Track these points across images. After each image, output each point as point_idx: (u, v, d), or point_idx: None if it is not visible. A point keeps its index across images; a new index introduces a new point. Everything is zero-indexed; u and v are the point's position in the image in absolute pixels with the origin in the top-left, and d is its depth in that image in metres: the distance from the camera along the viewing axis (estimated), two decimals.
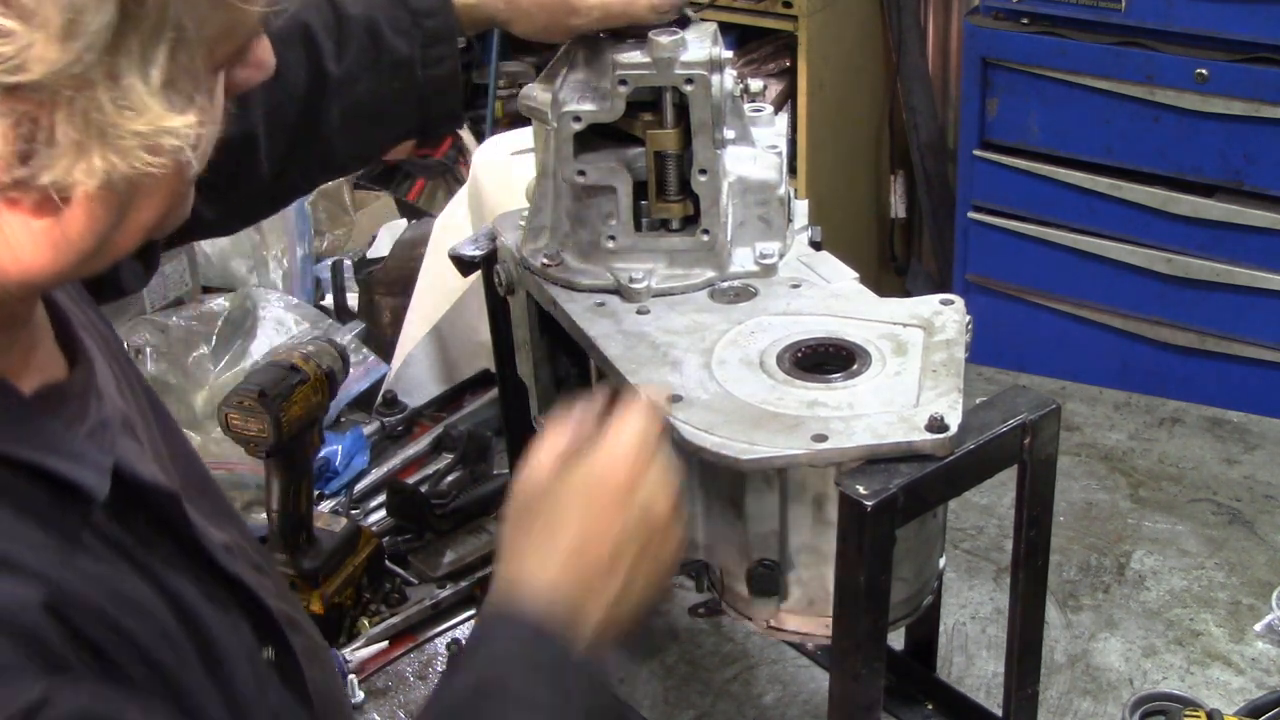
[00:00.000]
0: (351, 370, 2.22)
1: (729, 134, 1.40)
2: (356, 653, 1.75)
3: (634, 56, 1.36)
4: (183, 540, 1.01)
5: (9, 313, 0.89)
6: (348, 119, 1.45)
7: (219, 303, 2.44)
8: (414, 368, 2.34)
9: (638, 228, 1.43)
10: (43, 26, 0.74)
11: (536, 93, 1.43)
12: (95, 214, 0.82)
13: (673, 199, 1.42)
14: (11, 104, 0.76)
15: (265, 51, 0.91)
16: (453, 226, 2.32)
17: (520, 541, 1.07)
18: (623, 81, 1.35)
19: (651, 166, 1.40)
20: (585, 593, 1.04)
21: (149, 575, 0.94)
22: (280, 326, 2.42)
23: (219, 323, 2.36)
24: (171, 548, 0.99)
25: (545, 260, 1.46)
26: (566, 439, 1.12)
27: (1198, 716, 1.54)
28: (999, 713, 1.49)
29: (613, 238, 1.43)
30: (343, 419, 2.27)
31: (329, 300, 2.70)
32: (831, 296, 1.40)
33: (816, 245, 1.49)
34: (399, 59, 1.44)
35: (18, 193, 0.79)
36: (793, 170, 3.64)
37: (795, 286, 1.42)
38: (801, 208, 1.53)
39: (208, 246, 2.65)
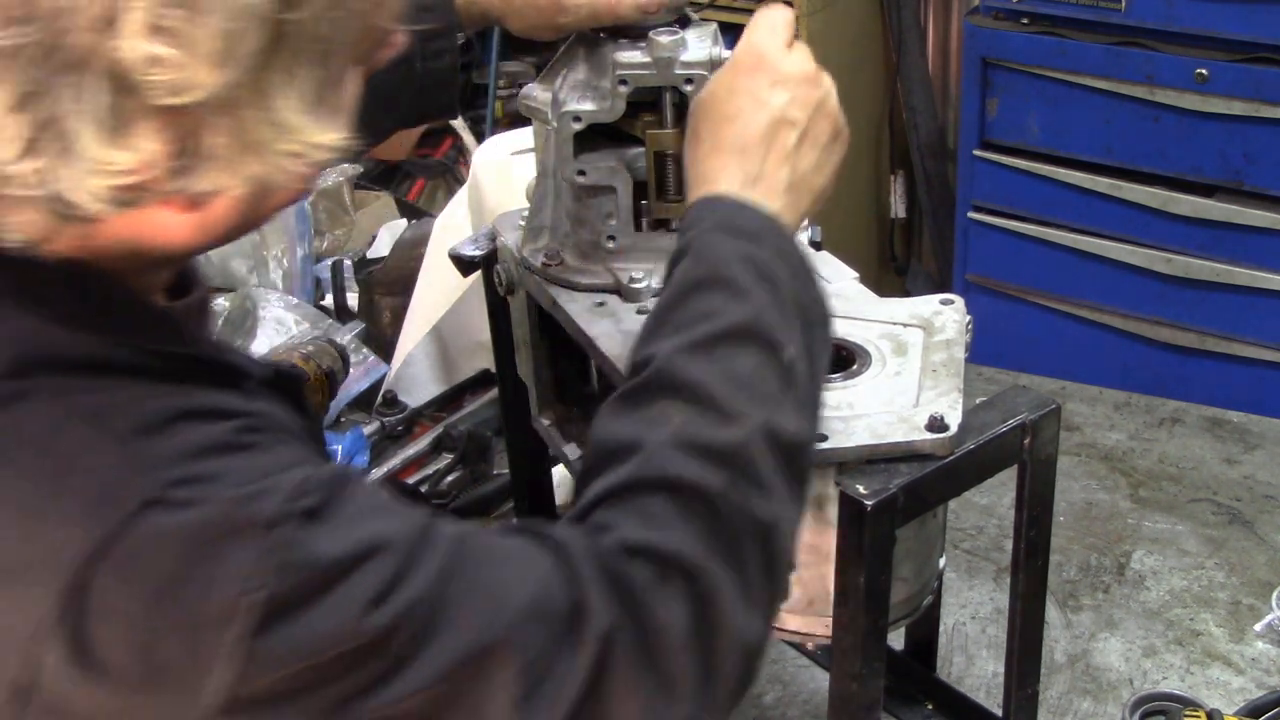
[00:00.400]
0: (351, 370, 2.23)
1: None
2: None
3: (634, 56, 1.36)
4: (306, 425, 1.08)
5: (152, 280, 0.98)
6: None
7: (219, 302, 2.44)
8: (414, 368, 2.34)
9: (638, 228, 1.43)
10: (202, 55, 0.81)
11: (536, 93, 1.43)
12: (238, 206, 0.90)
13: (673, 199, 1.42)
14: (170, 122, 0.83)
15: (399, 32, 0.96)
16: (453, 226, 2.32)
17: (699, 162, 1.13)
18: (623, 81, 1.35)
19: (651, 166, 1.40)
20: (759, 183, 1.11)
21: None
22: (280, 326, 2.42)
23: (219, 323, 2.36)
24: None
25: (545, 260, 1.46)
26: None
27: (1198, 716, 1.54)
28: (999, 713, 1.49)
29: (613, 238, 1.43)
30: (343, 419, 2.27)
31: (329, 300, 2.70)
32: (832, 296, 1.39)
33: (816, 245, 1.49)
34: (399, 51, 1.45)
35: (171, 196, 0.86)
36: None
37: None
38: None
39: None
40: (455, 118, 3.75)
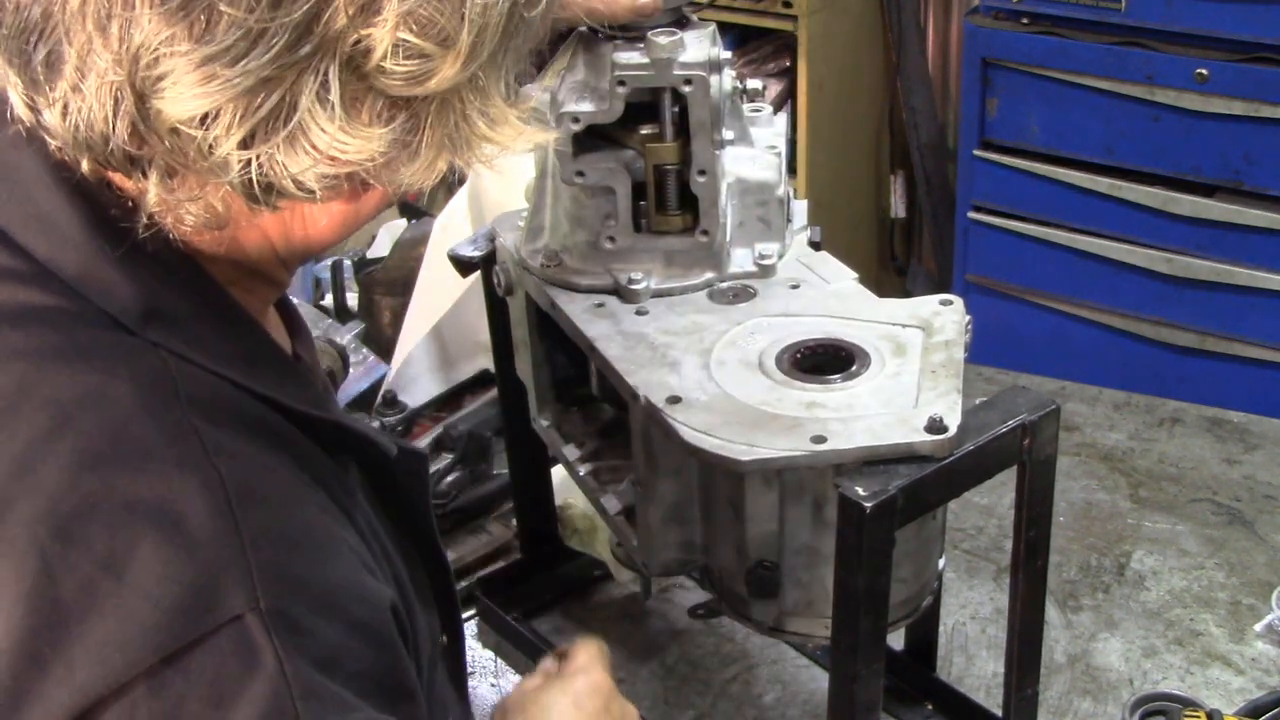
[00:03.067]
0: (351, 370, 2.23)
1: (728, 134, 1.40)
2: None
3: (632, 57, 1.35)
4: (410, 512, 1.07)
5: (277, 277, 0.95)
6: None
7: None
8: (414, 368, 2.34)
9: (637, 228, 1.43)
10: (454, 47, 0.78)
11: (535, 93, 1.43)
12: (387, 196, 0.89)
13: (672, 213, 1.42)
14: (395, 114, 0.80)
15: None
16: (453, 226, 2.32)
17: None
18: (621, 82, 1.35)
19: (651, 180, 1.40)
20: None
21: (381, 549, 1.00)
22: None
23: None
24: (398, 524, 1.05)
25: (544, 261, 1.46)
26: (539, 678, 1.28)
27: (1198, 716, 1.54)
28: (999, 713, 1.49)
29: (612, 238, 1.43)
30: None
31: (329, 300, 2.69)
32: (831, 297, 1.40)
33: (816, 245, 1.49)
34: None
35: (349, 186, 0.84)
36: (792, 170, 3.64)
37: (794, 287, 1.42)
38: (801, 208, 1.53)
39: None
40: None
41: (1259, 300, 3.04)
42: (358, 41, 0.77)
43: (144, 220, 0.83)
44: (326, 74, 0.77)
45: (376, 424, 2.20)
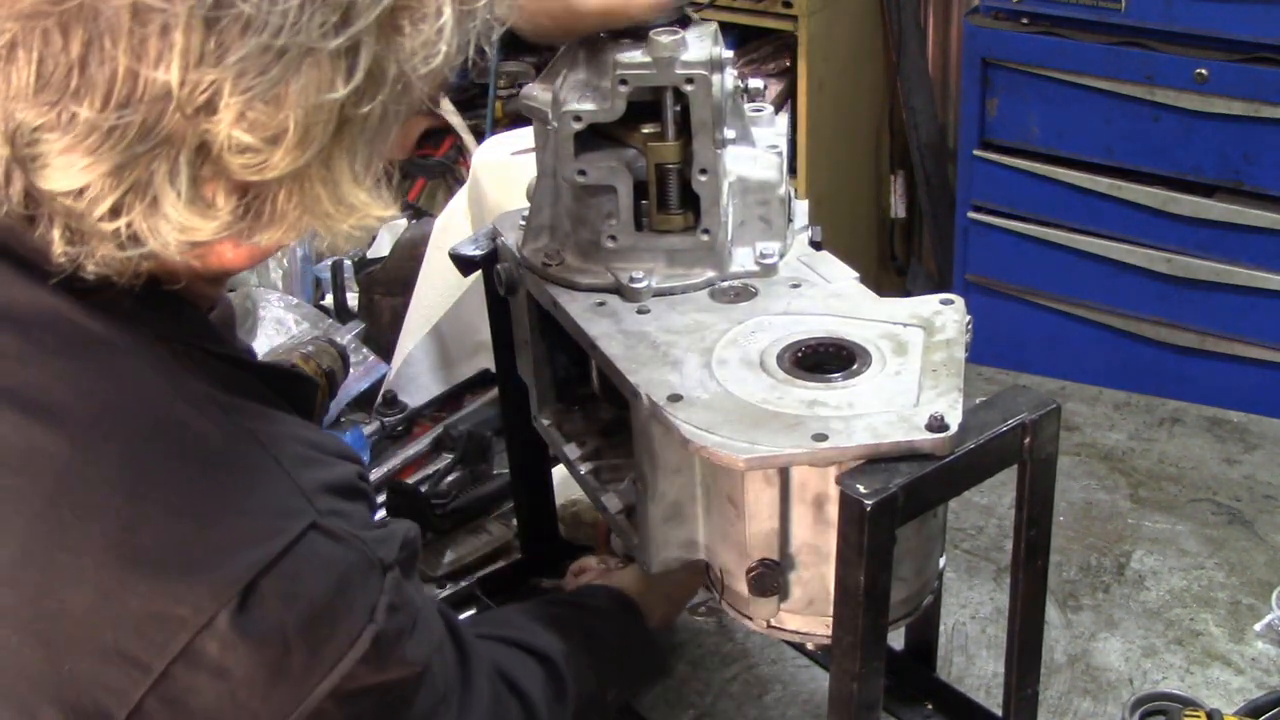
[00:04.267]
0: (351, 370, 2.23)
1: (729, 134, 1.40)
2: None
3: (634, 56, 1.35)
4: None
5: (205, 292, 1.12)
6: None
7: None
8: (414, 368, 2.34)
9: (638, 227, 1.43)
10: (281, 143, 0.92)
11: (536, 92, 1.43)
12: (289, 240, 1.02)
13: (674, 212, 1.42)
14: (244, 189, 0.95)
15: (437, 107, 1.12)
16: (453, 226, 2.32)
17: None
18: (623, 81, 1.35)
19: (653, 180, 1.40)
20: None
21: None
22: (280, 326, 2.41)
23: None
24: None
25: (545, 260, 1.46)
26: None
27: (1198, 716, 1.54)
28: (999, 713, 1.49)
29: (613, 237, 1.43)
30: (343, 419, 2.27)
31: (329, 300, 2.69)
32: (831, 296, 1.40)
33: (816, 245, 1.49)
34: None
35: (240, 243, 1.01)
36: (793, 170, 3.65)
37: (795, 286, 1.42)
38: (801, 208, 1.53)
39: None
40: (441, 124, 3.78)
41: (1259, 300, 3.04)
42: (201, 136, 0.91)
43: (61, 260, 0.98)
44: (177, 161, 0.91)
45: (376, 424, 2.21)
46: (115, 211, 0.93)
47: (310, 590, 1.00)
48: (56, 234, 0.96)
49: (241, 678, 0.98)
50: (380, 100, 0.96)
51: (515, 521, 1.89)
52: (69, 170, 0.91)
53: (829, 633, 1.24)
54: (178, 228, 0.94)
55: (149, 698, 0.97)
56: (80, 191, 0.92)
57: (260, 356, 2.28)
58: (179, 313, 1.07)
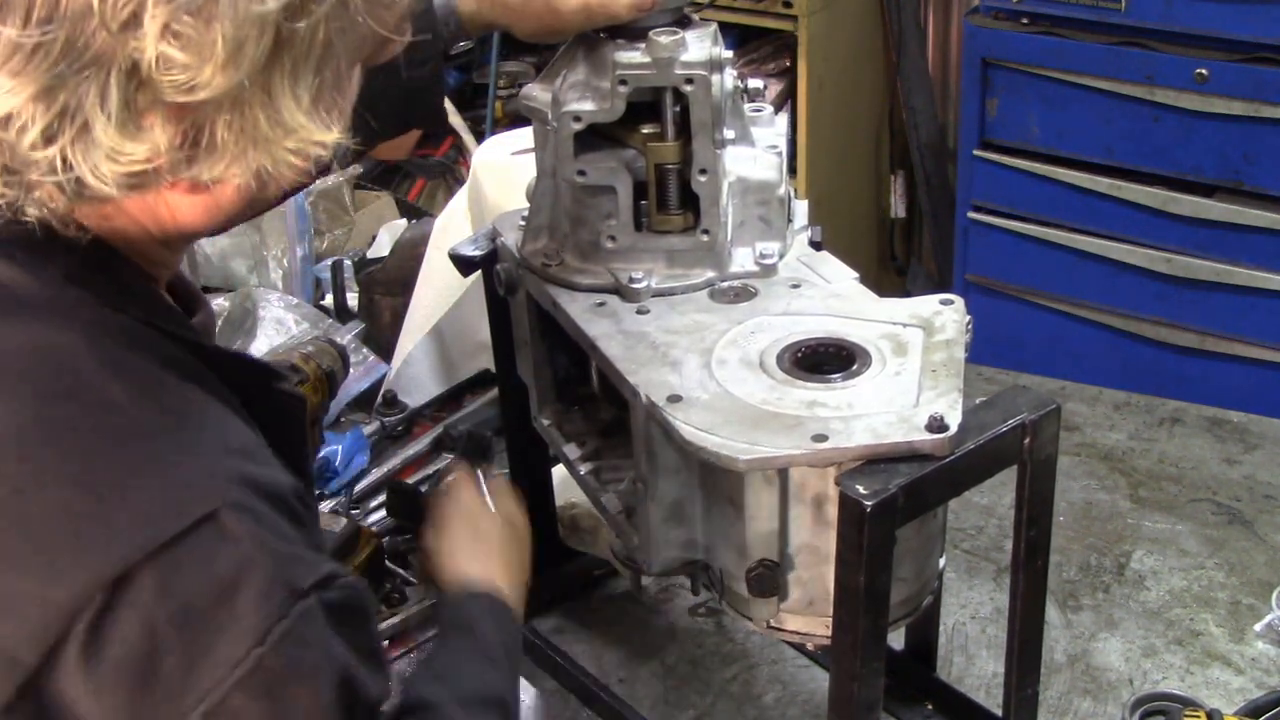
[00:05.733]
0: (351, 370, 2.22)
1: (729, 134, 1.40)
2: None
3: (634, 56, 1.36)
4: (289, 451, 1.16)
5: (159, 257, 1.07)
6: None
7: (219, 303, 2.43)
8: (414, 368, 2.34)
9: (638, 227, 1.43)
10: (211, 58, 0.88)
11: (536, 93, 1.43)
12: (243, 190, 0.98)
13: (673, 212, 1.42)
14: (180, 115, 0.91)
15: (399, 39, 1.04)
16: (453, 226, 2.32)
17: (454, 563, 1.42)
18: (623, 81, 1.35)
19: (652, 180, 1.40)
20: (499, 579, 1.40)
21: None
22: (280, 326, 2.41)
23: (219, 323, 2.36)
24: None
25: (545, 260, 1.46)
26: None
27: (1198, 716, 1.54)
28: (999, 713, 1.49)
29: (613, 238, 1.43)
30: (343, 419, 2.27)
31: (329, 300, 2.69)
32: (831, 296, 1.40)
33: (816, 245, 1.49)
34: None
35: (179, 181, 0.96)
36: (793, 170, 3.64)
37: (795, 286, 1.42)
38: (801, 208, 1.53)
39: (208, 246, 2.65)
40: (440, 127, 3.74)
41: (1259, 300, 3.04)
42: (128, 55, 0.88)
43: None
44: (107, 83, 0.88)
45: (376, 424, 2.21)
46: (47, 139, 0.89)
47: (189, 587, 0.90)
48: None
49: (102, 679, 0.89)
50: (318, 18, 0.92)
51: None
52: None
53: (829, 633, 1.25)
54: (108, 153, 0.90)
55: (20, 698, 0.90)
56: (7, 119, 0.89)
57: (260, 357, 2.28)
58: (122, 279, 1.02)
